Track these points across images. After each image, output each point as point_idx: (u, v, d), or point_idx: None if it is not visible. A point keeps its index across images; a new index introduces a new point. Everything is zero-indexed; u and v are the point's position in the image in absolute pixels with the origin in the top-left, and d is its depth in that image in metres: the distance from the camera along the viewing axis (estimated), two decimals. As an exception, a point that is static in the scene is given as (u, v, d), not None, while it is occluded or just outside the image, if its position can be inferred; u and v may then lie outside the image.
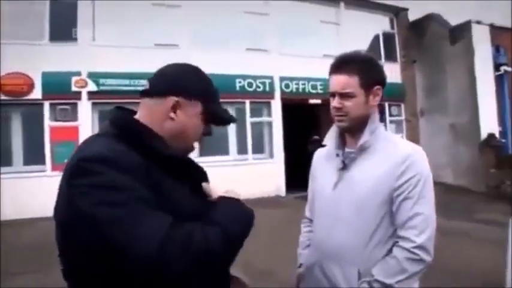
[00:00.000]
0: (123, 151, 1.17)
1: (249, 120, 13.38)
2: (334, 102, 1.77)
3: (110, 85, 11.44)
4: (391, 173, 1.66)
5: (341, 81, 1.74)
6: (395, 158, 1.68)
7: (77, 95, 11.35)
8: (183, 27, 12.25)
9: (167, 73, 1.35)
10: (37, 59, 10.96)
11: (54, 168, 11.17)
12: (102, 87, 11.42)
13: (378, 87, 1.79)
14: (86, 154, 1.15)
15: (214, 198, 1.31)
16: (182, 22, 12.26)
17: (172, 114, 1.29)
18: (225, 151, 13.01)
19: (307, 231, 2.11)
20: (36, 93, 11.19)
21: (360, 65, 1.75)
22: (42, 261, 6.30)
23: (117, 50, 11.38)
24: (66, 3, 11.55)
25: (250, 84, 13.17)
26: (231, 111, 12.32)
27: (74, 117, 11.40)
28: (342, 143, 1.86)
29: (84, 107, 11.40)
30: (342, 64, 1.76)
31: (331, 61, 1.82)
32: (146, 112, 1.32)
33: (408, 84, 15.97)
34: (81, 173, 1.11)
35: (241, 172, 12.34)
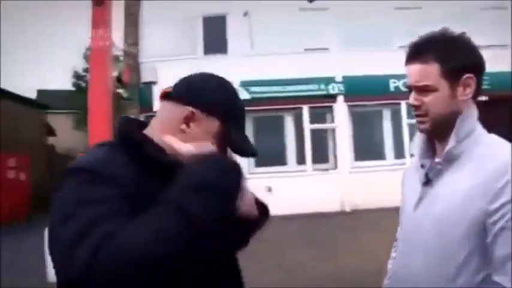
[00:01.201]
0: (112, 161, 1.06)
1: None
2: (410, 99, 1.39)
3: (260, 92, 11.79)
4: (485, 191, 1.22)
5: (416, 72, 1.36)
6: (491, 171, 1.24)
7: (230, 104, 11.81)
8: (332, 29, 12.26)
9: (192, 81, 1.21)
10: (192, 72, 11.61)
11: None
12: (253, 95, 11.79)
13: (469, 75, 1.34)
14: (71, 165, 1.07)
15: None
16: (331, 24, 12.29)
17: (184, 126, 1.13)
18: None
19: (393, 258, 1.71)
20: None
21: (440, 48, 1.34)
22: None
23: (267, 57, 11.91)
24: (217, 18, 12.20)
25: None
26: (386, 112, 11.90)
27: (228, 125, 11.88)
28: (430, 151, 1.46)
29: (238, 115, 11.82)
30: (416, 50, 1.38)
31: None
32: (159, 119, 1.19)
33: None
34: (62, 184, 1.03)
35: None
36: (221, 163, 1.07)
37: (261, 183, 11.85)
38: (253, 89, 12.12)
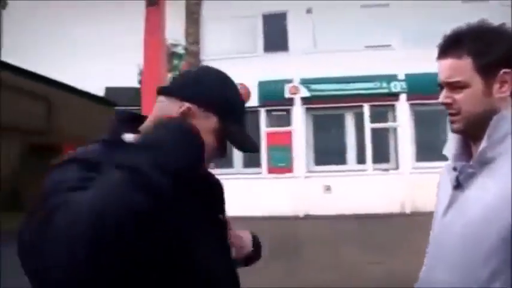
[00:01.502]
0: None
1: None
2: (441, 97, 1.28)
3: (322, 90, 11.70)
4: None
5: (447, 67, 1.26)
6: None
7: (291, 102, 11.94)
8: (394, 26, 11.90)
9: (189, 77, 1.17)
10: (253, 70, 11.73)
11: (269, 171, 11.84)
12: (314, 93, 11.72)
13: (506, 70, 1.20)
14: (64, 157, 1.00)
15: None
16: (393, 21, 11.93)
17: None
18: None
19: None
20: (253, 101, 12.01)
21: (473, 41, 1.22)
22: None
23: (328, 55, 11.76)
24: (277, 15, 12.18)
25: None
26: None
27: (288, 123, 11.87)
28: (465, 153, 1.32)
29: (298, 113, 11.86)
30: (448, 44, 1.27)
31: None
32: (156, 114, 1.12)
33: None
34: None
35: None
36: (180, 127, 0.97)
37: (319, 181, 11.79)
38: (313, 86, 12.01)
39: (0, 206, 11.32)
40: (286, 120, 12.14)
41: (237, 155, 12.38)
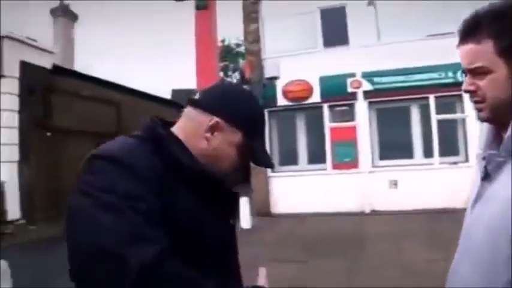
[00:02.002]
0: (138, 153, 1.08)
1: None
2: (464, 85, 1.20)
3: (384, 83, 11.52)
4: None
5: (468, 53, 1.17)
6: None
7: (353, 96, 11.82)
8: (455, 12, 11.45)
9: (219, 92, 1.24)
10: (314, 66, 11.68)
11: (334, 167, 11.77)
12: (377, 86, 11.58)
13: None
14: (98, 151, 1.09)
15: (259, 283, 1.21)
16: (453, 7, 11.49)
17: (208, 134, 1.17)
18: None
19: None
20: (316, 97, 12.01)
21: (494, 23, 1.13)
22: (308, 253, 6.45)
23: (389, 47, 11.62)
24: (335, 9, 12.06)
25: None
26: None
27: (352, 117, 11.76)
28: (496, 141, 1.21)
29: (361, 107, 11.71)
30: (467, 28, 1.17)
31: None
32: (184, 123, 1.22)
33: None
34: (87, 170, 1.05)
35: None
36: None
37: (385, 176, 11.57)
38: (376, 79, 11.78)
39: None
40: (349, 115, 11.99)
41: (302, 152, 12.41)
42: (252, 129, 1.21)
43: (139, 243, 0.92)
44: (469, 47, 1.17)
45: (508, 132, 1.12)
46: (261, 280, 1.23)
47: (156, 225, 0.97)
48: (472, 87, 1.18)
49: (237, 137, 1.19)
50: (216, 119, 1.17)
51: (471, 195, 1.27)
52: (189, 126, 1.20)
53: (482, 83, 1.15)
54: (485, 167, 1.19)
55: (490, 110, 1.17)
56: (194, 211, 1.09)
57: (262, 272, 1.26)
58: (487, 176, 1.19)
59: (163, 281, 0.91)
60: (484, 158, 1.20)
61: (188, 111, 1.23)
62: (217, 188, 1.18)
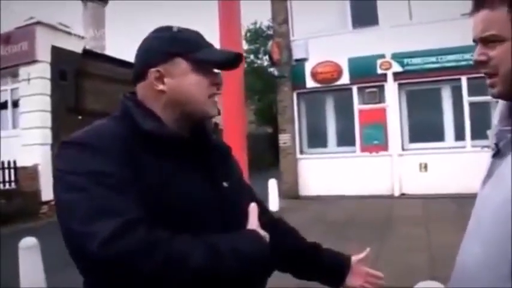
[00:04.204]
0: (103, 131, 1.10)
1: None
2: (475, 54, 1.11)
3: (415, 64, 11.38)
4: None
5: (481, 21, 1.08)
6: None
7: (383, 77, 11.64)
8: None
9: (137, 53, 1.21)
10: (343, 47, 11.53)
11: (363, 150, 11.73)
12: (407, 67, 11.52)
13: None
14: (65, 138, 1.10)
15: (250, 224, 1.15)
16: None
17: (160, 86, 1.15)
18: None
19: None
20: (345, 79, 11.90)
21: None
22: (337, 236, 6.40)
23: (419, 27, 11.34)
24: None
25: None
26: None
27: (381, 99, 11.63)
28: (510, 118, 1.13)
29: (391, 89, 11.57)
30: None
31: None
32: (142, 96, 1.20)
33: None
34: (58, 156, 1.08)
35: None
36: (262, 245, 1.10)
37: (415, 159, 11.40)
38: (406, 60, 11.53)
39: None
40: (379, 97, 11.82)
41: (331, 134, 12.34)
42: (184, 46, 1.17)
43: (102, 219, 0.92)
44: (483, 14, 1.09)
45: None
46: (252, 220, 1.17)
47: (124, 196, 0.97)
48: (483, 58, 1.10)
49: (181, 64, 1.16)
50: (151, 70, 1.15)
51: (484, 173, 1.20)
52: (146, 98, 1.18)
53: (493, 53, 1.08)
54: (496, 143, 1.14)
55: (503, 83, 1.09)
56: (159, 172, 1.08)
57: (254, 209, 1.19)
58: (498, 153, 1.13)
59: (126, 252, 0.90)
60: (496, 134, 1.15)
61: (137, 90, 1.23)
62: (180, 144, 1.16)
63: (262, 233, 1.12)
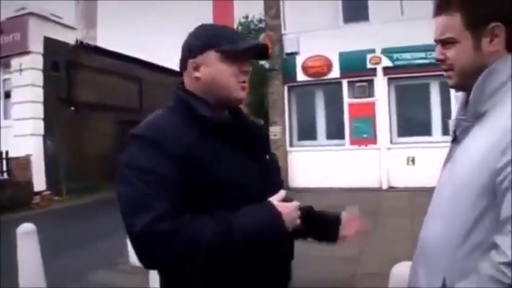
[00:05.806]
0: (160, 123, 1.31)
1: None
2: (436, 53, 1.32)
3: (404, 59, 11.54)
4: (495, 150, 1.12)
5: (440, 25, 1.28)
6: (501, 129, 1.13)
7: (373, 72, 11.79)
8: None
9: (181, 48, 1.41)
10: (334, 41, 11.63)
11: (352, 143, 11.87)
12: (396, 62, 11.67)
13: (495, 24, 1.19)
14: (132, 130, 1.30)
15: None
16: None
17: (196, 74, 1.35)
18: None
19: None
20: (335, 73, 12.03)
21: None
22: None
23: (410, 22, 11.29)
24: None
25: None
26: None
27: (371, 93, 11.79)
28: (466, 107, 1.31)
29: (380, 83, 11.71)
30: (440, 1, 1.29)
31: None
32: (187, 84, 1.41)
33: None
34: (125, 148, 1.28)
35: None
36: (279, 223, 1.24)
37: (403, 153, 11.58)
38: (396, 56, 11.69)
39: (97, 178, 12.33)
40: (368, 91, 11.97)
41: (321, 127, 12.47)
42: (212, 39, 1.36)
43: (140, 212, 1.14)
44: (442, 18, 1.28)
45: (470, 100, 1.24)
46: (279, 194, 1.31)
47: (158, 190, 1.17)
48: (441, 57, 1.30)
49: (211, 54, 1.35)
50: (190, 61, 1.37)
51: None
52: (188, 82, 1.40)
53: (450, 53, 1.27)
54: (454, 131, 1.33)
55: (458, 78, 1.28)
56: (212, 150, 1.27)
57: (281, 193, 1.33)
58: (455, 139, 1.32)
59: (160, 241, 1.11)
60: (454, 123, 1.34)
61: (183, 77, 1.44)
62: (228, 126, 1.35)
63: (282, 207, 1.26)
